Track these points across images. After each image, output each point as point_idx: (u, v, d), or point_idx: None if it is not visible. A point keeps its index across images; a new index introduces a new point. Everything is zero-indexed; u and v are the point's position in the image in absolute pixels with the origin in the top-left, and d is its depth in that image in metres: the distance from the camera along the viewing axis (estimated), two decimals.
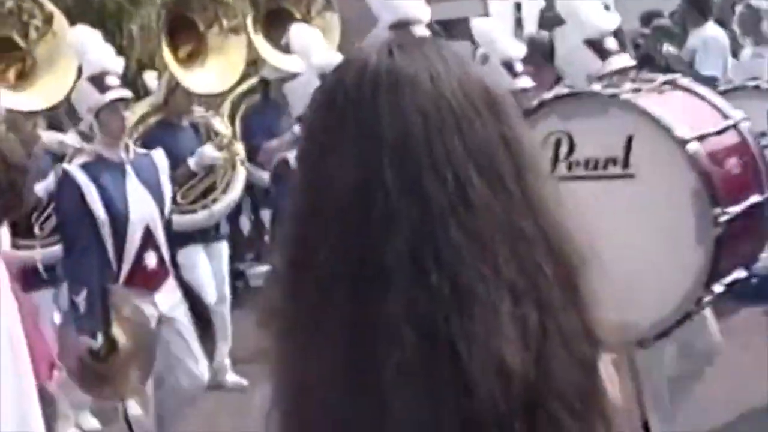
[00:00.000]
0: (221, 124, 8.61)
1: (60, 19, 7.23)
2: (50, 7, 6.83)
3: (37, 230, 7.01)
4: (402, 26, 5.68)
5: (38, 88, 7.36)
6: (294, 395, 1.26)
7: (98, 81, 6.29)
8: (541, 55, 7.40)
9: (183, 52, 8.63)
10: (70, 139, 7.24)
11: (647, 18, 12.19)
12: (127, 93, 6.41)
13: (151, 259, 6.02)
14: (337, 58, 5.73)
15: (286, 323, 1.28)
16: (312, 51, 6.98)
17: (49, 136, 7.23)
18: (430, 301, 1.19)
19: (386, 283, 1.20)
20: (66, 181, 5.99)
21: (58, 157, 6.94)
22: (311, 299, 1.24)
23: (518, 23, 18.66)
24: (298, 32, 7.52)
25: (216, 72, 8.51)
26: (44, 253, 6.99)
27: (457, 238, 1.21)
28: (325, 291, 1.23)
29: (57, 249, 6.55)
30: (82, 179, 5.94)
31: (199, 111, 8.38)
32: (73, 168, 6.04)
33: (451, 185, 1.22)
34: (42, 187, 6.41)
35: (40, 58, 7.23)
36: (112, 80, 6.30)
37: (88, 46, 6.59)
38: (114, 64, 6.48)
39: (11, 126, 4.40)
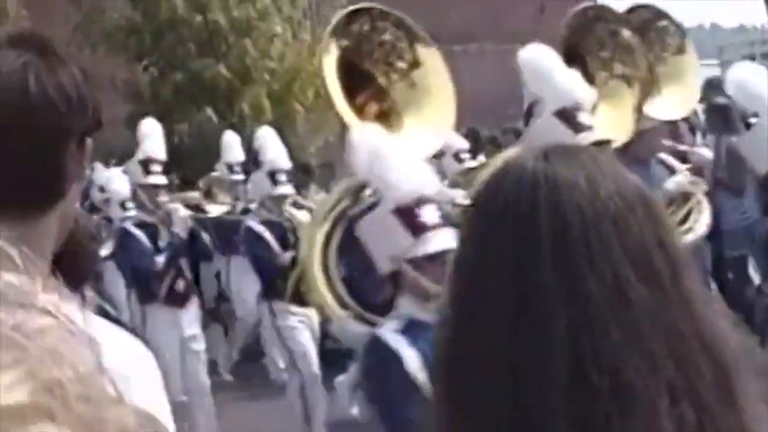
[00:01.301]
0: None
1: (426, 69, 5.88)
2: (421, 53, 5.69)
3: None
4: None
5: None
6: None
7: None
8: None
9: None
10: None
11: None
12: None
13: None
14: None
15: (446, 418, 1.30)
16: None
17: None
18: (590, 399, 1.20)
19: (545, 379, 1.22)
20: None
21: None
22: (470, 393, 1.27)
23: None
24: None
25: None
26: None
27: (616, 336, 1.22)
28: (483, 385, 1.25)
29: None
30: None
31: None
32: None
33: (609, 284, 1.24)
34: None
35: (399, 101, 5.86)
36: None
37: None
38: None
39: None
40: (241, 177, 10.63)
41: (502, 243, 1.28)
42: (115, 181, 9.71)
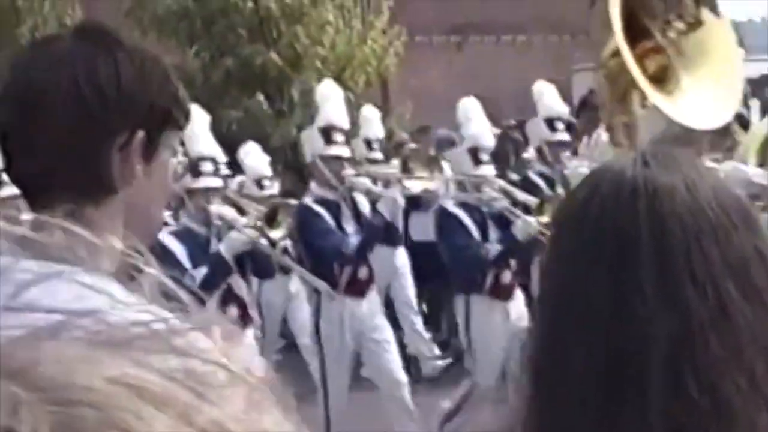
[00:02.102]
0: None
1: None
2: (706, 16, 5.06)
3: None
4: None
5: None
6: None
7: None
8: None
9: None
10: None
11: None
12: None
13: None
14: None
15: (535, 427, 1.29)
16: None
17: None
18: (689, 413, 1.19)
19: (642, 390, 1.20)
20: None
21: None
22: (565, 403, 1.25)
23: None
24: None
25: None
26: None
27: (716, 349, 1.21)
28: (578, 395, 1.24)
29: None
30: None
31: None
32: None
33: (710, 296, 1.22)
34: None
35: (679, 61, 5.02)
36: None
37: None
38: None
39: None
40: (378, 155, 9.53)
41: (602, 250, 1.27)
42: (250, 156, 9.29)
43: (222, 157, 7.12)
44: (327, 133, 7.04)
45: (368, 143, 9.52)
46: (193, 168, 6.28)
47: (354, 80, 17.03)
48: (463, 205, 7.22)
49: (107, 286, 1.02)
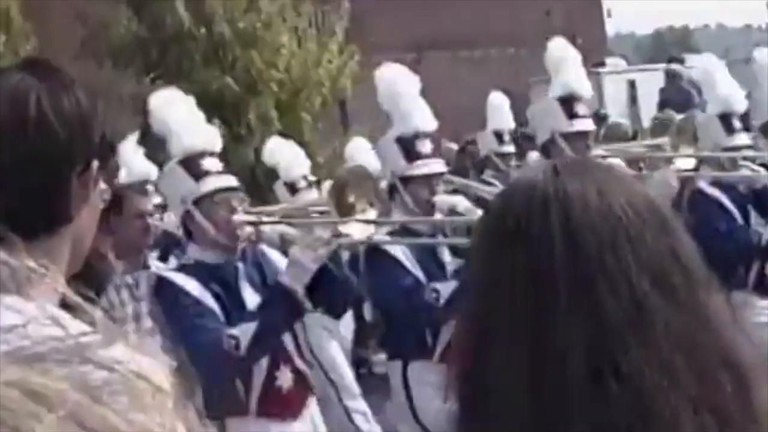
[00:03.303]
0: None
1: None
2: None
3: None
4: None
5: None
6: None
7: None
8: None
9: None
10: None
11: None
12: None
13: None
14: None
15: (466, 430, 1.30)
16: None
17: None
18: (612, 413, 1.20)
19: (566, 398, 1.21)
20: None
21: None
22: (492, 416, 1.26)
23: (632, 101, 18.60)
24: None
25: None
26: None
27: (634, 349, 1.22)
28: (504, 406, 1.25)
29: None
30: None
31: None
32: None
33: (626, 298, 1.24)
34: None
35: None
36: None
37: None
38: None
39: None
40: (511, 149, 8.86)
41: (516, 262, 1.28)
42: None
43: None
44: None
45: (499, 136, 8.90)
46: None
47: (310, 101, 17.05)
48: None
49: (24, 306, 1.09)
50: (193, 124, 5.07)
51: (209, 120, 17.17)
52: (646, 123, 12.90)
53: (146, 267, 5.61)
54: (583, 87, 5.82)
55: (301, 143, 15.32)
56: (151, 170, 7.51)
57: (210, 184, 4.71)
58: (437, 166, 5.36)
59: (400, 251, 5.11)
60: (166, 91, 5.57)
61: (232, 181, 4.87)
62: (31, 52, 15.98)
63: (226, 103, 16.47)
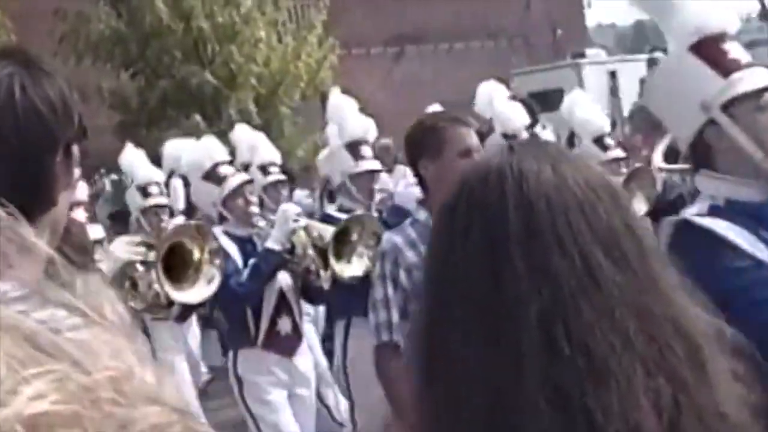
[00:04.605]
0: None
1: None
2: None
3: None
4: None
5: None
6: None
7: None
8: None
9: None
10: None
11: None
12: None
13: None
14: None
15: (426, 409, 1.34)
16: None
17: None
18: (565, 375, 1.23)
19: (521, 360, 1.24)
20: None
21: None
22: (449, 381, 1.30)
23: (613, 92, 18.63)
24: None
25: None
26: None
27: (587, 314, 1.25)
28: (461, 371, 1.28)
29: None
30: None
31: None
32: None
33: (578, 265, 1.27)
34: None
35: None
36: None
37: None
38: None
39: None
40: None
41: (472, 230, 1.31)
42: None
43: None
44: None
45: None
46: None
47: (290, 96, 17.04)
48: None
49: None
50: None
51: (189, 115, 17.12)
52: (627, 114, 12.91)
53: None
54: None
55: (281, 137, 15.35)
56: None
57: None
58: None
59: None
60: None
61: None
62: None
63: (206, 97, 16.46)
